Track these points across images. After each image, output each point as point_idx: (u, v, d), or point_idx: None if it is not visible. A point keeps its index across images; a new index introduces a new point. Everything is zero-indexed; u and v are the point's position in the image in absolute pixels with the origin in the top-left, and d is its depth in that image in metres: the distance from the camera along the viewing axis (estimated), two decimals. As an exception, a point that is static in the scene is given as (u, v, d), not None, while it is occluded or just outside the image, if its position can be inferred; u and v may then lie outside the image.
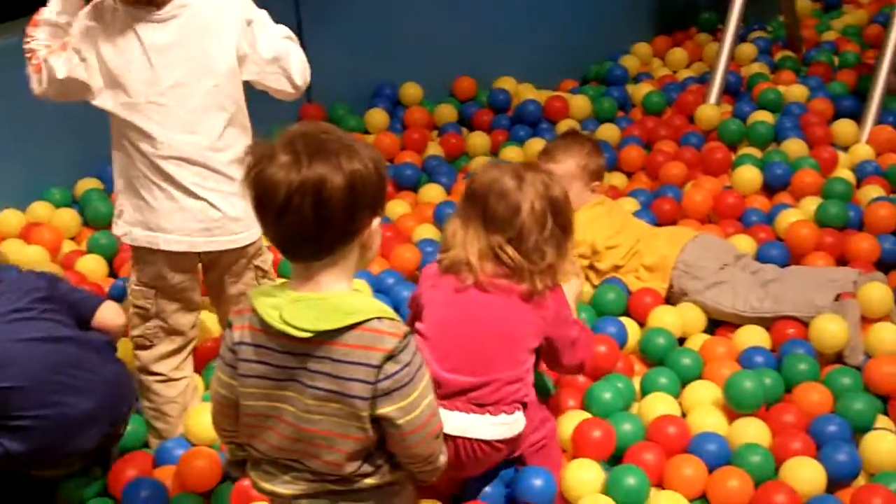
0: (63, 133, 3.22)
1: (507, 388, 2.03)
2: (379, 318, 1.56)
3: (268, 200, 1.50)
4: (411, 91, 3.99)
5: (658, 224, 3.09)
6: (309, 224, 1.49)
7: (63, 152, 3.35)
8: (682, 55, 4.40)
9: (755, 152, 3.51)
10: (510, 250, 2.01)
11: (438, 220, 3.16)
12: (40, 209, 3.26)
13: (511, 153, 3.61)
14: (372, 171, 1.53)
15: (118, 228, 2.28)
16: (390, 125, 3.86)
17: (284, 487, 1.66)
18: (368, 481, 1.64)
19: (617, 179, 3.50)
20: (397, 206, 3.29)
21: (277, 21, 2.26)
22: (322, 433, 1.59)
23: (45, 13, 2.21)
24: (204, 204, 2.19)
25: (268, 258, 2.37)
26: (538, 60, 4.21)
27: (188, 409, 2.36)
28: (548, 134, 3.76)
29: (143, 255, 2.25)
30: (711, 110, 3.75)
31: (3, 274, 2.15)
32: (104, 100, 2.18)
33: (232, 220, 2.21)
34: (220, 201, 2.19)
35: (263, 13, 2.25)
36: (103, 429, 2.15)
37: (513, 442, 2.07)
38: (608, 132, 3.74)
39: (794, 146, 3.48)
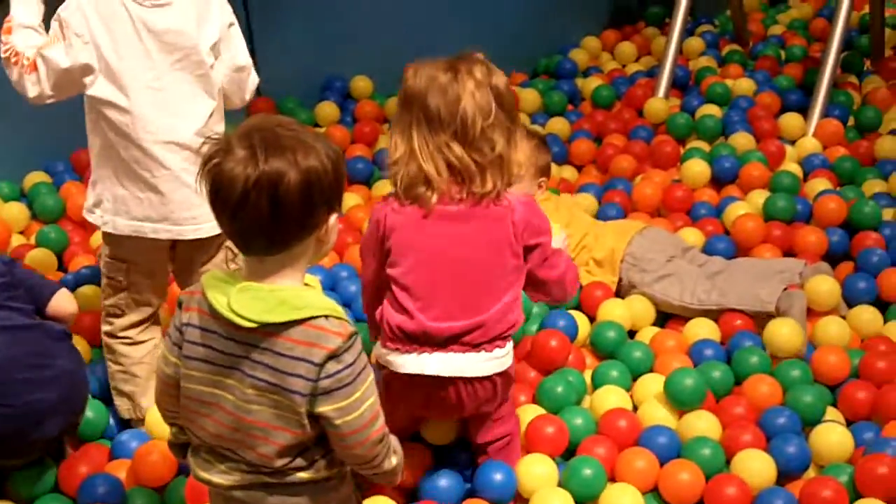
0: (9, 127, 3.16)
1: (497, 325, 1.99)
2: (326, 316, 1.54)
3: (224, 194, 1.49)
4: (361, 84, 3.96)
5: (622, 217, 3.11)
6: (265, 219, 1.49)
7: (10, 146, 3.28)
8: (630, 49, 4.42)
9: (703, 146, 3.54)
10: (457, 148, 1.91)
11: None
12: (-12, 203, 3.21)
13: (461, 146, 3.60)
14: (329, 167, 1.52)
15: (96, 218, 2.30)
16: (341, 118, 3.83)
17: (220, 477, 1.64)
18: (302, 475, 1.62)
19: (567, 173, 3.51)
20: (349, 199, 3.27)
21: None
22: (259, 424, 1.58)
23: (17, 18, 2.20)
24: (189, 191, 2.20)
25: None
26: (489, 54, 4.12)
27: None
28: (498, 127, 3.76)
29: (121, 238, 2.28)
30: (660, 104, 3.77)
31: None
32: (99, 87, 2.17)
33: None
34: None
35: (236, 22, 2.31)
36: (66, 418, 2.14)
37: (506, 375, 2.05)
38: (558, 126, 3.74)
39: (742, 140, 3.51)
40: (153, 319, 2.42)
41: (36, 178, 3.33)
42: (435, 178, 1.93)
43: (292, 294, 1.54)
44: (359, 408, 1.57)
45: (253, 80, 2.35)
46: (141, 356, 2.39)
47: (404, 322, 1.98)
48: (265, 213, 1.48)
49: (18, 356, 2.05)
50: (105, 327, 2.39)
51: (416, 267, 1.97)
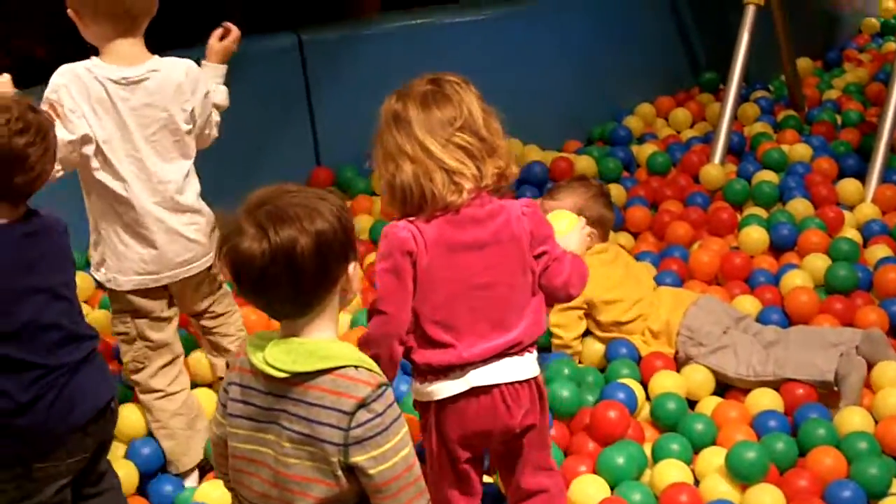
0: (75, 197, 3.24)
1: (528, 338, 2.02)
2: (356, 366, 1.59)
3: (245, 273, 1.57)
4: (417, 153, 4.01)
5: (679, 285, 3.10)
6: (286, 289, 1.57)
7: (76, 216, 3.36)
8: (685, 115, 4.43)
9: (761, 212, 3.53)
10: (466, 135, 1.97)
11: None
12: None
13: (518, 215, 3.62)
14: (336, 224, 1.59)
15: (101, 276, 2.47)
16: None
17: None
18: None
19: (623, 239, 3.51)
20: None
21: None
22: (296, 478, 1.61)
23: None
24: (181, 241, 2.41)
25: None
26: (542, 121, 4.24)
27: (195, 427, 2.52)
28: (554, 194, 3.79)
29: (123, 292, 2.44)
30: (716, 170, 3.78)
31: None
32: (94, 157, 2.34)
33: (202, 246, 2.45)
34: (195, 234, 2.43)
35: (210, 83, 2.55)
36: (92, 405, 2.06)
37: (541, 384, 2.07)
38: (614, 192, 3.74)
39: (800, 206, 3.50)
40: (179, 368, 2.54)
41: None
42: (459, 169, 1.94)
43: (322, 346, 1.61)
44: (392, 458, 1.59)
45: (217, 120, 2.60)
46: (176, 408, 2.51)
47: (439, 356, 1.99)
48: (285, 283, 1.55)
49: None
50: (137, 387, 2.52)
51: (449, 299, 1.97)
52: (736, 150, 4.04)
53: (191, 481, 2.52)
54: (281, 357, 1.59)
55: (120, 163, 2.35)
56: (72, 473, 2.03)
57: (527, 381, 2.03)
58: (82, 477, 2.08)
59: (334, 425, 1.56)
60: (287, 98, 3.88)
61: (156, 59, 2.39)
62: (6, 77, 2.29)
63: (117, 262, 2.42)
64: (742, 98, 4.29)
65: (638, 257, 3.31)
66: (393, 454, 1.59)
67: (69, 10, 2.36)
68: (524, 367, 2.02)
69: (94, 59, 2.34)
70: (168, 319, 2.51)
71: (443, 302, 1.97)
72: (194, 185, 2.47)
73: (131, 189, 2.36)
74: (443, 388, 2.01)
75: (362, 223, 3.59)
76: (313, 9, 4.65)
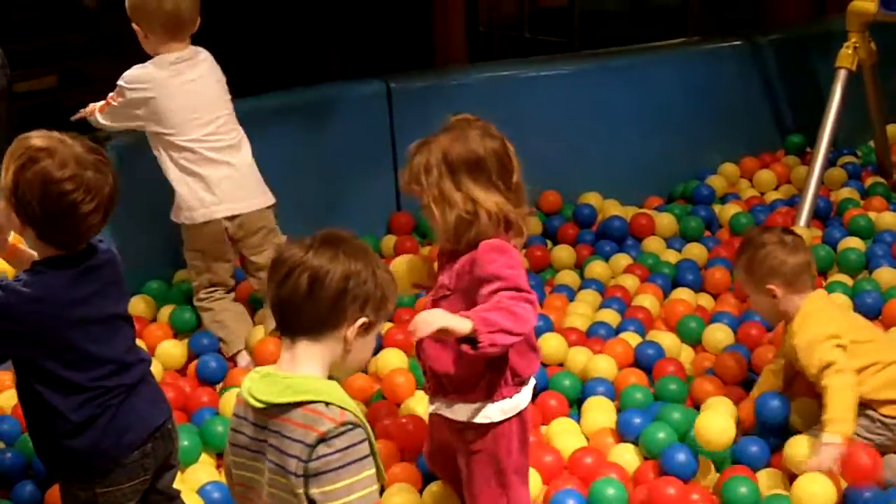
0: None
1: None
2: (327, 402, 1.68)
3: (277, 268, 1.75)
4: (498, 203, 4.02)
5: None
6: (300, 296, 1.71)
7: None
8: (770, 177, 4.38)
9: (846, 279, 3.47)
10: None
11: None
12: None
13: (597, 268, 3.61)
14: (370, 276, 1.74)
15: (179, 217, 3.03)
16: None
17: None
18: None
19: (703, 300, 3.47)
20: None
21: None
22: None
23: None
24: (232, 176, 3.04)
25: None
26: (623, 177, 4.23)
27: (243, 323, 3.13)
28: (633, 250, 3.77)
29: (193, 232, 3.03)
30: (801, 233, 3.71)
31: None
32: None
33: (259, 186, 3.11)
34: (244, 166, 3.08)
35: None
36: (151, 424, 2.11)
37: None
38: (695, 252, 3.73)
39: (886, 275, 3.43)
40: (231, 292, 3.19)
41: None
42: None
43: (300, 381, 1.72)
44: (344, 496, 1.65)
45: None
46: (226, 305, 3.12)
47: (536, 361, 2.20)
48: (302, 291, 1.71)
49: None
50: (196, 299, 3.14)
51: None
52: (821, 215, 3.98)
53: (242, 360, 3.07)
54: (262, 388, 1.72)
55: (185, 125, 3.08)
56: (137, 495, 2.07)
57: None
58: (147, 500, 2.11)
59: (298, 457, 1.66)
60: (372, 143, 3.93)
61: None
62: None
63: (188, 200, 3.04)
64: (829, 162, 4.23)
65: (716, 318, 3.27)
66: (345, 493, 1.65)
67: (133, 24, 2.96)
68: None
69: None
70: (227, 258, 3.15)
71: None
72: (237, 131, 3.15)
73: (192, 138, 3.08)
74: (526, 395, 2.17)
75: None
76: (402, 57, 4.73)
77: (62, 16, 4.92)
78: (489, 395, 2.12)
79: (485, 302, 2.01)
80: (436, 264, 2.27)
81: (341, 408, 1.68)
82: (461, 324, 1.94)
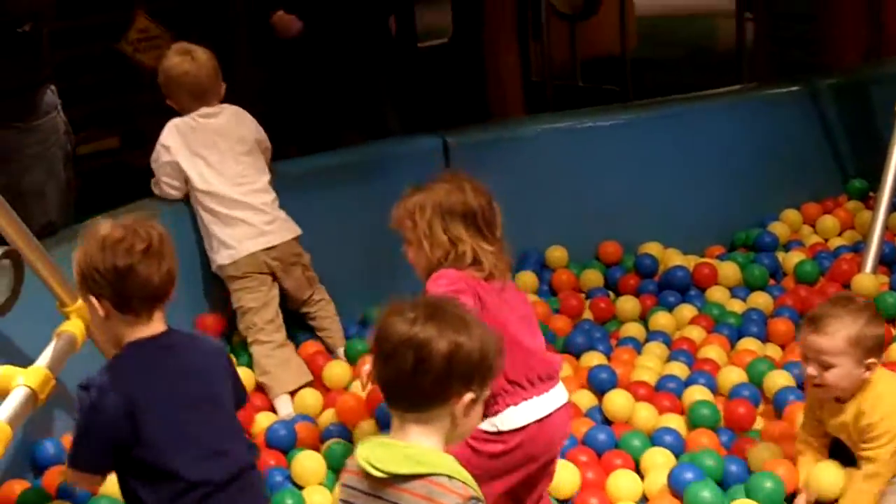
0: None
1: None
2: (450, 476, 1.66)
3: (382, 343, 1.72)
4: (557, 254, 4.01)
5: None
6: (406, 374, 1.68)
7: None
8: (833, 223, 4.32)
9: (916, 326, 3.39)
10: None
11: (593, 382, 3.16)
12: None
13: (661, 319, 3.57)
14: (476, 348, 1.70)
15: (220, 258, 3.21)
16: (538, 288, 3.87)
17: None
18: None
19: (770, 350, 3.41)
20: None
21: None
22: None
23: None
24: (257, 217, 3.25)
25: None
26: (684, 225, 4.19)
27: (289, 369, 3.20)
28: (697, 300, 3.72)
29: (236, 270, 3.20)
30: (869, 280, 3.66)
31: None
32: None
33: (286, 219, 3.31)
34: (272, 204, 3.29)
35: None
36: None
37: None
38: (760, 301, 3.67)
39: (958, 320, 3.35)
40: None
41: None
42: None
43: (420, 451, 1.69)
44: None
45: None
46: (270, 351, 3.19)
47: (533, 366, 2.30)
48: (408, 367, 1.67)
49: None
50: (249, 338, 3.22)
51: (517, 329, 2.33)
52: (888, 261, 3.90)
53: (283, 408, 3.13)
54: (380, 457, 1.69)
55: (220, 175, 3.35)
56: None
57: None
58: None
59: None
60: (430, 198, 3.93)
61: None
62: None
63: (227, 244, 3.26)
64: (893, 206, 4.16)
65: (784, 368, 3.21)
66: None
67: (167, 101, 3.24)
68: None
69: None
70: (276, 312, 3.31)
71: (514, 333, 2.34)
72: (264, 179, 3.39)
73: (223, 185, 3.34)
74: (536, 407, 2.33)
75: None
76: (459, 111, 4.76)
77: (123, 78, 5.02)
78: (495, 408, 2.29)
79: None
80: None
81: (464, 483, 1.66)
82: None
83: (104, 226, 2.03)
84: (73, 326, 2.59)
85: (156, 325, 2.05)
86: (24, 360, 2.52)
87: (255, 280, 3.24)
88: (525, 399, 2.29)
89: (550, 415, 2.31)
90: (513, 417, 2.28)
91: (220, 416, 2.07)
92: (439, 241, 2.31)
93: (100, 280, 1.99)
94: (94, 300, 2.01)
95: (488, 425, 2.27)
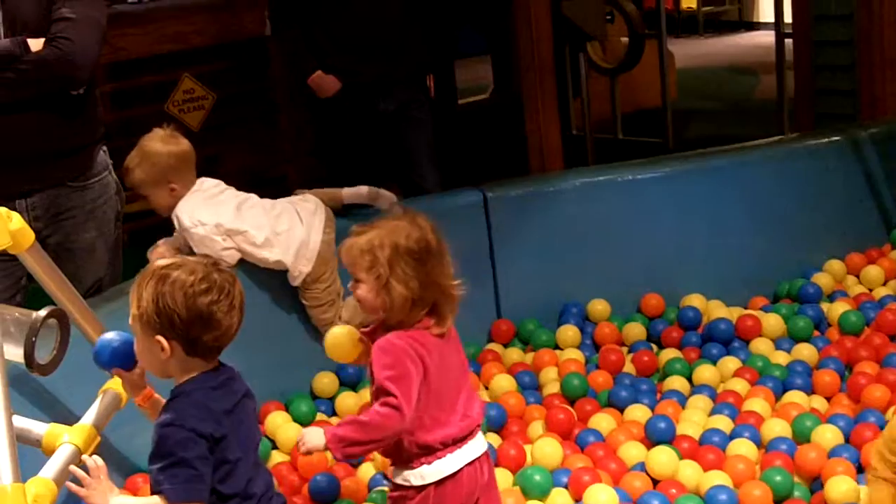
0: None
1: None
2: None
3: None
4: (599, 308, 4.00)
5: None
6: None
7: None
8: (878, 272, 4.27)
9: (965, 377, 3.34)
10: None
11: (649, 434, 3.14)
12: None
13: (705, 372, 3.54)
14: None
15: (301, 265, 3.35)
16: (581, 342, 3.87)
17: None
18: None
19: (816, 402, 3.37)
20: (601, 421, 3.27)
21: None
22: None
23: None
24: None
25: None
26: (726, 277, 4.17)
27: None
28: (741, 353, 3.69)
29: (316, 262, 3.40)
30: (913, 331, 3.62)
31: None
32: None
33: None
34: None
35: None
36: None
37: None
38: (805, 353, 3.63)
39: None
40: None
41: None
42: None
43: None
44: None
45: None
46: None
47: (437, 431, 2.32)
48: None
49: None
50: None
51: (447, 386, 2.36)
52: (934, 310, 3.86)
53: None
54: None
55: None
56: None
57: None
58: None
59: None
60: (471, 252, 3.94)
61: None
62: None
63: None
64: (939, 256, 4.13)
65: (830, 420, 3.17)
66: None
67: (171, 188, 3.24)
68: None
69: None
70: None
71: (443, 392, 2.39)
72: None
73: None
74: (460, 458, 2.39)
75: (548, 375, 3.58)
76: (498, 166, 4.79)
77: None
78: (407, 463, 2.34)
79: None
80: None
81: None
82: (320, 443, 2.28)
83: (184, 270, 2.03)
84: (118, 384, 2.63)
85: (214, 361, 2.13)
86: (70, 419, 2.56)
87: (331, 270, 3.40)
88: (439, 458, 2.33)
89: (464, 468, 2.36)
90: (426, 473, 2.32)
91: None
92: (397, 287, 2.27)
93: (179, 325, 2.01)
94: (161, 340, 2.03)
95: (401, 479, 2.34)
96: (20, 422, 2.27)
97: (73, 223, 3.24)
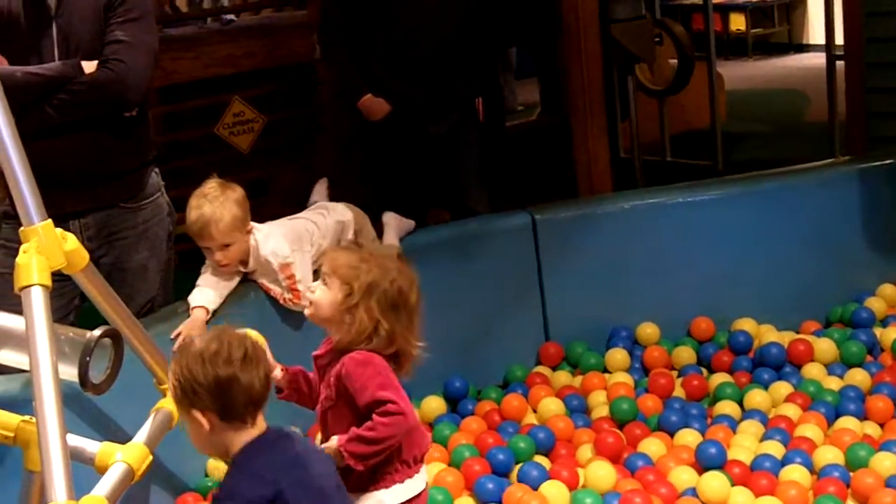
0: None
1: None
2: None
3: None
4: (648, 331, 3.97)
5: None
6: None
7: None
8: (931, 298, 4.21)
9: None
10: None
11: (700, 459, 3.10)
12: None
13: (756, 397, 3.50)
14: None
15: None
16: (630, 366, 3.84)
17: None
18: None
19: (870, 429, 3.32)
20: (651, 446, 3.24)
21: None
22: None
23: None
24: None
25: None
26: (778, 301, 4.12)
27: None
28: (792, 378, 3.64)
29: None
30: (970, 357, 3.55)
31: None
32: None
33: None
34: None
35: None
36: None
37: None
38: (857, 378, 3.58)
39: None
40: None
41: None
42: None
43: None
44: None
45: None
46: None
47: (421, 441, 2.41)
48: None
49: None
50: None
51: None
52: None
53: None
54: None
55: None
56: None
57: None
58: None
59: None
60: (519, 275, 3.96)
61: None
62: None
63: None
64: None
65: (883, 447, 3.12)
66: None
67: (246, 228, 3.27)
68: None
69: None
70: None
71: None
72: None
73: None
74: (418, 482, 2.44)
75: (596, 399, 3.56)
76: (545, 188, 4.78)
77: (221, 161, 5.16)
78: (382, 483, 2.36)
79: (363, 412, 2.32)
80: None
81: None
82: (340, 460, 2.31)
83: (198, 341, 2.09)
84: (170, 403, 2.64)
85: (260, 425, 2.11)
86: (122, 437, 2.58)
87: None
88: (409, 477, 2.39)
89: (421, 493, 2.42)
90: (398, 493, 2.36)
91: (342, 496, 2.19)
92: (363, 316, 2.33)
93: (202, 393, 2.04)
94: (197, 415, 2.07)
95: (374, 501, 2.35)
96: (74, 440, 2.29)
97: (126, 244, 3.27)
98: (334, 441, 2.33)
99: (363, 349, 2.34)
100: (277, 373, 2.47)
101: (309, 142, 5.72)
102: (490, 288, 3.89)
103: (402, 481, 2.37)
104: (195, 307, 3.13)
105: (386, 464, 2.36)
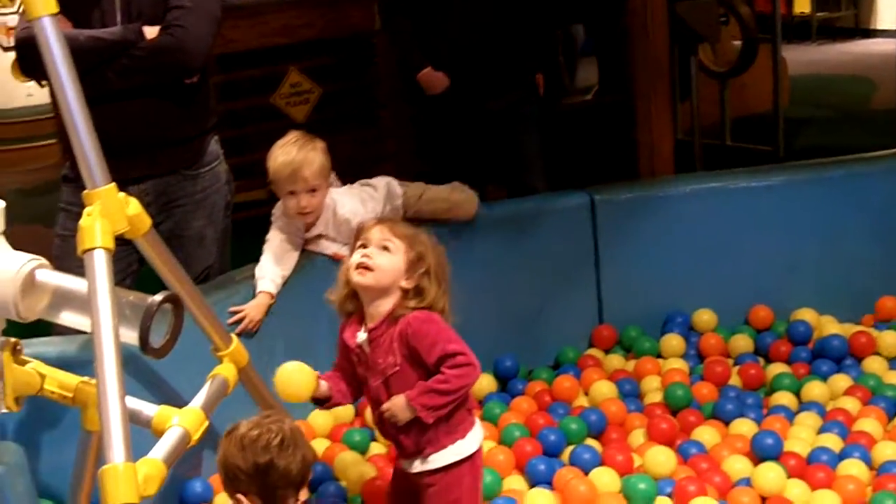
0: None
1: None
2: None
3: None
4: (705, 318, 3.91)
5: None
6: None
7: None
8: None
9: None
10: None
11: (756, 449, 3.06)
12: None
13: (815, 389, 3.44)
14: None
15: None
16: (685, 352, 3.78)
17: None
18: None
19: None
20: (705, 433, 3.20)
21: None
22: None
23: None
24: None
25: None
26: (840, 292, 4.04)
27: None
28: (853, 370, 3.57)
29: None
30: None
31: None
32: None
33: None
34: None
35: None
36: None
37: None
38: (920, 374, 3.51)
39: None
40: None
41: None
42: None
43: None
44: None
45: None
46: None
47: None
48: None
49: None
50: None
51: None
52: None
53: None
54: None
55: None
56: None
57: None
58: None
59: None
60: (576, 255, 3.91)
61: None
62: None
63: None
64: None
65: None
66: None
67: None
68: None
69: None
70: None
71: None
72: None
73: None
74: (477, 434, 2.56)
75: (650, 384, 3.51)
76: (606, 168, 4.72)
77: (273, 130, 5.16)
78: (458, 434, 2.47)
79: (432, 368, 2.39)
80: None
81: None
82: (409, 415, 2.40)
83: (241, 426, 2.18)
84: (226, 370, 2.66)
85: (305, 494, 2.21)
86: (178, 401, 2.59)
87: None
88: (474, 424, 2.53)
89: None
90: (471, 441, 2.50)
91: None
92: (431, 282, 2.44)
93: (244, 478, 2.14)
94: (242, 498, 2.15)
95: (453, 455, 2.46)
96: (132, 403, 2.30)
97: (184, 211, 3.28)
98: (401, 398, 2.40)
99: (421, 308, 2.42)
100: (323, 385, 2.50)
101: (365, 114, 5.70)
102: (545, 268, 3.85)
103: (471, 429, 2.49)
104: (259, 292, 3.13)
105: (455, 414, 2.44)
